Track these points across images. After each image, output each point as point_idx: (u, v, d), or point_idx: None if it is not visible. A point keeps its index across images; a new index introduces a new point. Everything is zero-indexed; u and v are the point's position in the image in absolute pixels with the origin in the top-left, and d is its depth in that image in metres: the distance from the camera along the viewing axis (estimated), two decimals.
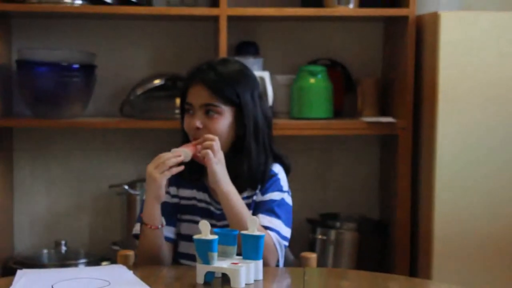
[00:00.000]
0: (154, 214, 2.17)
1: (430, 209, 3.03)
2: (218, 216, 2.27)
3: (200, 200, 2.30)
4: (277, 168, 2.30)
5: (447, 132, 3.00)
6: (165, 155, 2.12)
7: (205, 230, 1.95)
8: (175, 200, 2.32)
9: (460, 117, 2.99)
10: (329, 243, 3.28)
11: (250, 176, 2.24)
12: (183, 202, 2.31)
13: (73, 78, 3.17)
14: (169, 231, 2.28)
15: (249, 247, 1.98)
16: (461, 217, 3.00)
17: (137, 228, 2.28)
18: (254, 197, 2.27)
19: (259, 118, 2.26)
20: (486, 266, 3.01)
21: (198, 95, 2.22)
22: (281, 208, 2.24)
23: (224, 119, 2.23)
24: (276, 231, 2.19)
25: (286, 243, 2.23)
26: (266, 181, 2.26)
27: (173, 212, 2.30)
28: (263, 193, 2.25)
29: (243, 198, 2.24)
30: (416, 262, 3.17)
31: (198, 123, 2.21)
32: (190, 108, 2.24)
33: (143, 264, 2.21)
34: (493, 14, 3.05)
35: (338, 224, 3.34)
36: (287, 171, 2.35)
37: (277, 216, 2.21)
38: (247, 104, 2.23)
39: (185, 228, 2.29)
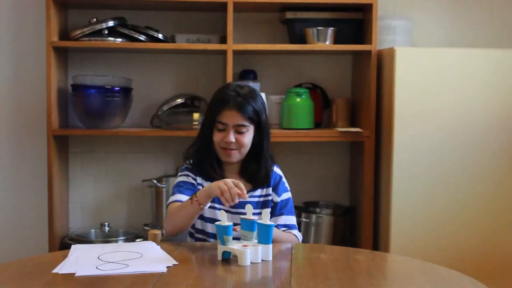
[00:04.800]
0: (206, 199, 2.07)
1: (388, 198, 3.03)
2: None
3: None
4: (279, 171, 2.36)
5: (401, 139, 3.00)
6: (233, 187, 1.99)
7: (223, 218, 1.94)
8: (199, 187, 2.29)
9: (411, 128, 2.99)
10: (311, 224, 3.28)
11: (264, 176, 2.28)
12: None
13: (115, 98, 3.17)
14: None
15: (262, 234, 1.95)
16: (413, 203, 3.01)
17: (177, 197, 2.19)
18: (270, 197, 2.31)
19: (269, 131, 2.30)
20: (434, 240, 3.01)
21: (232, 117, 2.21)
22: (292, 205, 2.34)
23: (249, 134, 2.25)
24: (295, 227, 2.31)
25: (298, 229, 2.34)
26: (276, 182, 2.32)
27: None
28: (278, 194, 2.31)
29: (260, 196, 2.29)
30: (378, 239, 3.17)
31: (232, 139, 2.21)
32: (224, 127, 2.22)
33: (170, 225, 2.14)
34: (433, 49, 3.07)
35: (317, 209, 3.34)
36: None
37: (292, 213, 2.32)
38: (264, 120, 2.27)
39: (207, 212, 2.28)
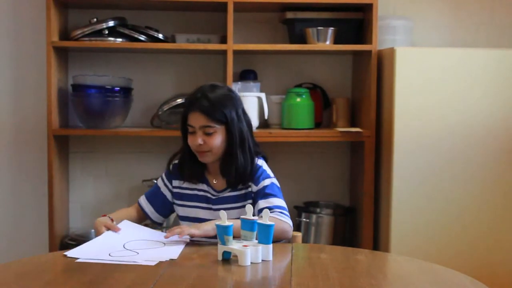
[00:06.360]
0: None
1: (388, 198, 3.04)
2: (214, 201, 2.29)
3: (200, 190, 2.32)
4: (260, 162, 2.31)
5: (402, 139, 3.00)
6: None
7: (223, 218, 1.94)
8: (176, 190, 2.34)
9: (411, 128, 3.00)
10: (311, 224, 3.28)
11: (238, 175, 2.25)
12: (187, 191, 2.32)
13: (115, 98, 3.17)
14: (156, 218, 2.38)
15: (262, 233, 1.95)
16: (413, 203, 3.01)
17: (140, 199, 2.42)
18: (250, 189, 2.28)
19: (243, 129, 2.26)
20: (434, 240, 3.01)
21: (197, 120, 2.21)
22: (273, 188, 2.25)
23: (218, 135, 2.23)
24: (276, 206, 2.19)
25: (286, 211, 2.22)
26: (254, 174, 2.27)
27: (165, 204, 2.36)
28: (256, 184, 2.25)
29: (238, 190, 2.28)
30: (378, 239, 3.17)
31: (200, 141, 2.22)
32: (192, 129, 2.24)
33: None
34: (433, 49, 3.07)
35: (318, 209, 3.34)
36: (266, 160, 2.36)
37: (272, 195, 2.22)
38: (233, 122, 2.23)
39: (190, 212, 2.31)
